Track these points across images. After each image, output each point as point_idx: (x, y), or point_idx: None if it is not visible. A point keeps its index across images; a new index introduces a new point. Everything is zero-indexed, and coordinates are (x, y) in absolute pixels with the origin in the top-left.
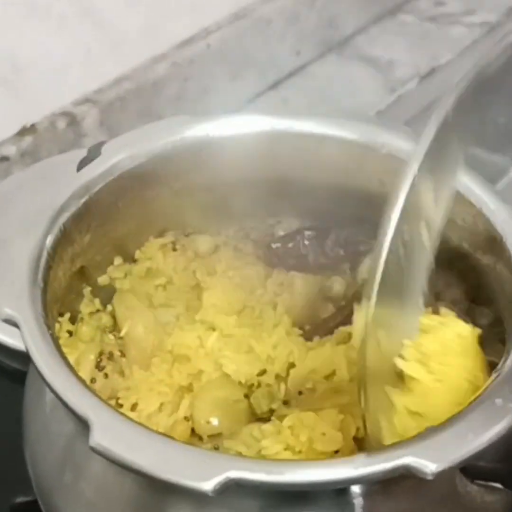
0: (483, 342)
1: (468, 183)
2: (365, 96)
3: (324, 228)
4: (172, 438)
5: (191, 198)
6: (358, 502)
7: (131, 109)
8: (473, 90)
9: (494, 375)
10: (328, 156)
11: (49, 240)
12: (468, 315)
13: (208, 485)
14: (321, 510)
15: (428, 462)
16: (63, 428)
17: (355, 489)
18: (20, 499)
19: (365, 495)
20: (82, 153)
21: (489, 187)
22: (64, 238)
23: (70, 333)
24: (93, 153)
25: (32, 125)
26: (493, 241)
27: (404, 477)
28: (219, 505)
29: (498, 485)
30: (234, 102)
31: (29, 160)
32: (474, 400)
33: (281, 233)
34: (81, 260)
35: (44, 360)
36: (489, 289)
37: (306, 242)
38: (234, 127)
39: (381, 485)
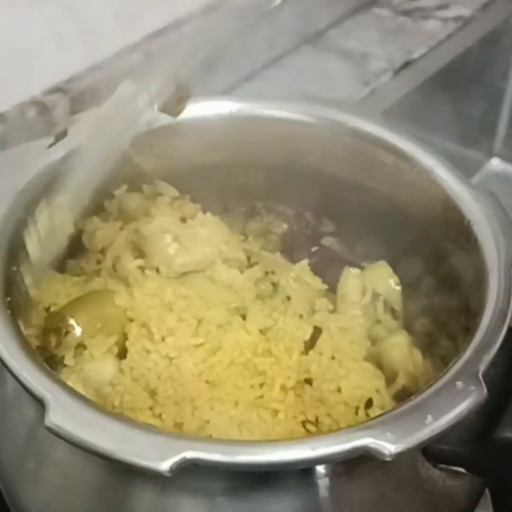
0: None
1: (436, 169)
2: (340, 89)
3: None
4: (130, 418)
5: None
6: (322, 482)
7: (102, 98)
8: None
9: (456, 359)
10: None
11: (12, 223)
12: (433, 299)
13: (164, 465)
14: (286, 490)
15: (386, 443)
16: (25, 415)
17: (320, 469)
18: None
19: (330, 476)
20: (50, 140)
21: (457, 173)
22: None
23: None
24: (61, 139)
25: (1, 114)
26: (460, 226)
27: (368, 459)
28: (182, 487)
29: (461, 470)
30: (208, 93)
31: None
32: (435, 383)
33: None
34: None
35: (2, 344)
36: (454, 274)
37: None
38: (201, 110)
39: (345, 467)
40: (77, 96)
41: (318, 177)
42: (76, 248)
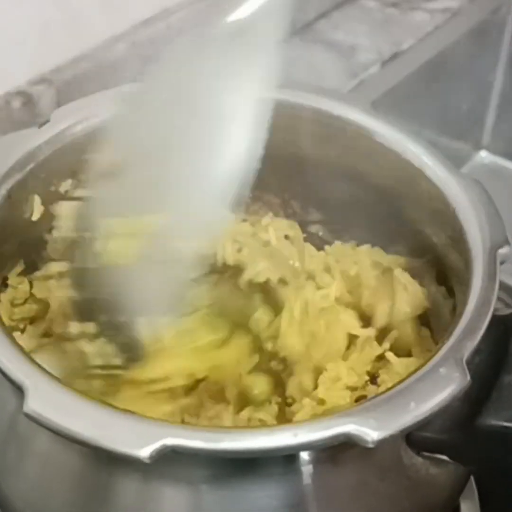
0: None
1: (422, 157)
2: (328, 81)
3: None
4: (111, 405)
5: None
6: (306, 469)
7: (89, 89)
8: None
9: (439, 345)
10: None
11: None
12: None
13: (143, 452)
14: (269, 477)
15: (369, 430)
16: (4, 406)
17: (304, 456)
18: None
19: (314, 462)
20: (35, 131)
21: (443, 161)
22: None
23: None
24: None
25: None
26: (446, 213)
27: (351, 446)
28: (163, 474)
29: (444, 457)
30: None
31: None
32: (418, 369)
33: None
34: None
35: None
36: (439, 261)
37: None
38: None
39: (328, 453)
40: (63, 86)
41: (303, 165)
42: None
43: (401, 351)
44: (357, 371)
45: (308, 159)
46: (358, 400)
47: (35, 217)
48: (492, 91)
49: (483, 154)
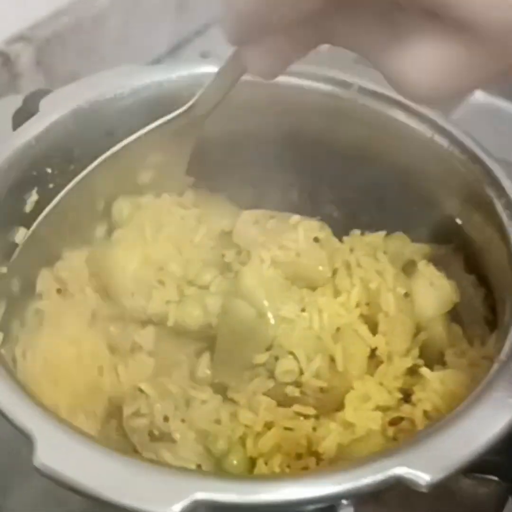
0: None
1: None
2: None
3: None
4: (131, 454)
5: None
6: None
7: (70, 46)
8: None
9: (493, 366)
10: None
11: None
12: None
13: (173, 510)
14: None
15: (422, 473)
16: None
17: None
18: None
19: (355, 504)
20: (17, 100)
21: (478, 144)
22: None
23: None
24: (30, 104)
25: None
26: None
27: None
28: None
29: (494, 478)
30: (181, 34)
31: None
32: (470, 394)
33: None
34: None
35: None
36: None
37: None
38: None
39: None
40: (42, 44)
41: (319, 144)
42: None
43: (432, 354)
44: (387, 388)
45: (323, 138)
46: (392, 423)
47: None
48: None
49: (478, 95)
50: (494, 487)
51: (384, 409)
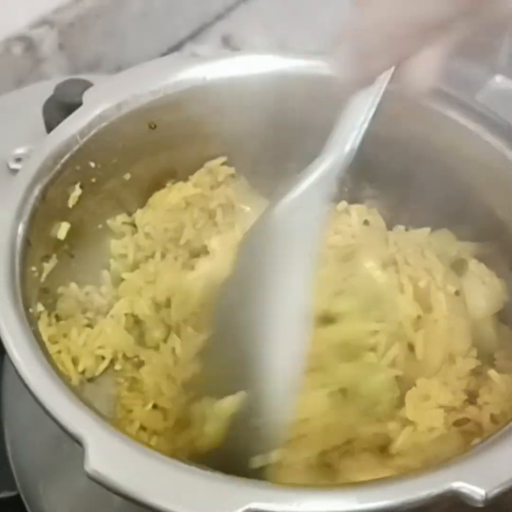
0: None
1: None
2: (342, 10)
3: None
4: (183, 461)
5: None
6: None
7: (93, 29)
8: None
9: None
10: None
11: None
12: None
13: None
14: None
15: (477, 488)
16: (50, 428)
17: None
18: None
19: None
20: (45, 88)
21: None
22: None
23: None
24: (61, 93)
25: None
26: None
27: None
28: None
29: None
30: (204, 17)
31: None
32: None
33: None
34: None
35: (28, 369)
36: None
37: None
38: (235, 68)
39: None
40: (65, 28)
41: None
42: None
43: (482, 357)
44: (451, 387)
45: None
46: (456, 423)
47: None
48: None
49: (499, 79)
50: None
51: (447, 409)
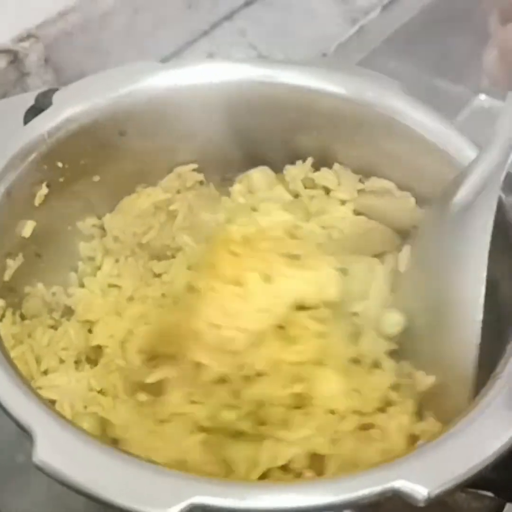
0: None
1: None
2: (326, 28)
3: None
4: (130, 454)
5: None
6: None
7: (78, 44)
8: None
9: (491, 381)
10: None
11: None
12: None
13: None
14: None
15: (420, 487)
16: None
17: None
18: None
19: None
20: (28, 98)
21: None
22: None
23: None
24: (42, 102)
25: None
26: None
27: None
28: None
29: (489, 494)
30: (188, 34)
31: None
32: (472, 407)
33: None
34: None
35: None
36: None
37: None
38: (206, 75)
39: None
40: (50, 42)
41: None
42: None
43: None
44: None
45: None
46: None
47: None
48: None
49: (482, 98)
50: (488, 502)
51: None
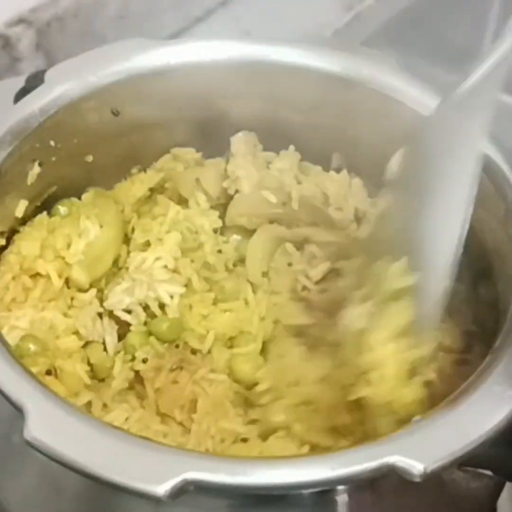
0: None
1: None
2: (321, 14)
3: None
4: (122, 430)
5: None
6: (341, 499)
7: (70, 30)
8: None
9: (489, 357)
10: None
11: None
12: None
13: (160, 489)
14: (300, 507)
15: (415, 462)
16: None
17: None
18: None
19: (350, 491)
20: (19, 81)
21: None
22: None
23: None
24: (33, 83)
25: None
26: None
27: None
28: (182, 503)
29: (487, 472)
30: (182, 20)
31: None
32: (469, 386)
33: None
34: None
35: None
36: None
37: None
38: (198, 53)
39: (367, 481)
40: (42, 27)
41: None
42: None
43: None
44: None
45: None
46: None
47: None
48: (488, 22)
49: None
50: (487, 481)
51: None
